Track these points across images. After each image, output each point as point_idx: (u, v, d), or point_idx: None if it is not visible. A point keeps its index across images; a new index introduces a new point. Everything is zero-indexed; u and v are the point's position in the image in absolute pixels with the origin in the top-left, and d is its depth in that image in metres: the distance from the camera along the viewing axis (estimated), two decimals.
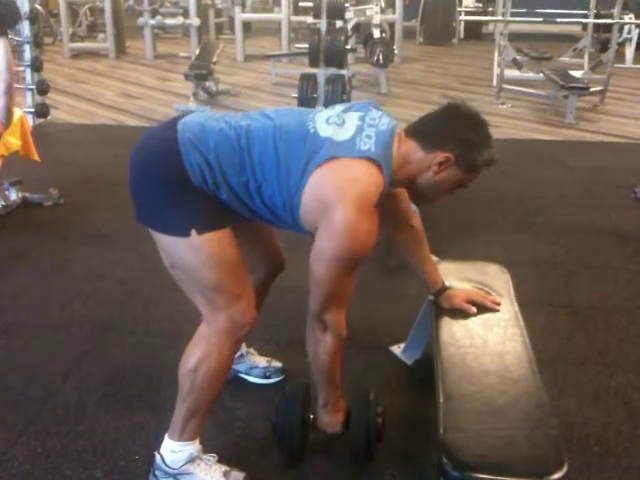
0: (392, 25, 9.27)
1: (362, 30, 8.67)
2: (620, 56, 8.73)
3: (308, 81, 5.94)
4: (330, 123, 1.62)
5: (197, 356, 1.69)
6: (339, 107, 1.70)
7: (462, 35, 11.91)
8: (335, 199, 1.53)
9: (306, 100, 5.80)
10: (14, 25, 4.20)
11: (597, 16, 8.74)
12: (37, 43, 5.64)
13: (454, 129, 1.65)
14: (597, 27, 9.18)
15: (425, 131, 1.67)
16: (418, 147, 1.65)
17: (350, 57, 7.80)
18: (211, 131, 1.62)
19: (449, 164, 1.63)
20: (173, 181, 1.60)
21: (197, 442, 1.78)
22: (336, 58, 5.85)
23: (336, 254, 1.56)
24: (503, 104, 6.96)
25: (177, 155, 1.59)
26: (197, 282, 1.68)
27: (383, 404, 1.93)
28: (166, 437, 1.77)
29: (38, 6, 6.40)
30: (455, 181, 1.68)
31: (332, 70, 5.90)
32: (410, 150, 1.65)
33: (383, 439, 1.91)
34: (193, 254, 1.62)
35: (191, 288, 1.71)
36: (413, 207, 1.98)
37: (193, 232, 1.59)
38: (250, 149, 1.60)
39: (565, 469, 1.38)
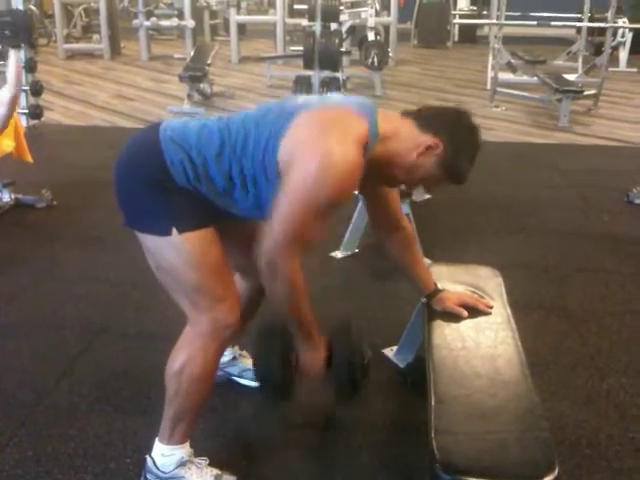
0: (387, 28, 9.29)
1: (357, 33, 8.68)
2: (614, 60, 8.77)
3: (302, 83, 5.97)
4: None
5: (181, 359, 1.68)
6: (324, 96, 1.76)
7: (457, 38, 11.94)
8: (316, 134, 1.51)
9: None
10: (29, 38, 4.20)
11: (591, 20, 8.78)
12: (31, 44, 5.60)
13: (454, 127, 1.64)
14: (591, 31, 9.20)
15: (426, 115, 1.67)
16: (413, 125, 1.63)
17: (345, 60, 7.82)
18: (193, 128, 1.63)
19: (434, 152, 1.61)
20: (155, 181, 1.60)
21: (187, 445, 1.77)
22: (330, 60, 5.87)
23: (311, 189, 1.46)
24: (497, 107, 6.98)
25: (159, 154, 1.59)
26: (180, 283, 1.67)
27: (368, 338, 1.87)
28: (156, 441, 1.77)
29: (32, 7, 6.40)
30: (427, 173, 1.66)
31: (326, 72, 5.91)
32: (404, 125, 1.64)
33: (369, 378, 1.87)
34: (175, 253, 1.62)
35: (175, 290, 1.70)
36: (404, 209, 1.98)
37: (174, 231, 1.58)
38: (230, 132, 1.59)
39: (556, 472, 1.38)
